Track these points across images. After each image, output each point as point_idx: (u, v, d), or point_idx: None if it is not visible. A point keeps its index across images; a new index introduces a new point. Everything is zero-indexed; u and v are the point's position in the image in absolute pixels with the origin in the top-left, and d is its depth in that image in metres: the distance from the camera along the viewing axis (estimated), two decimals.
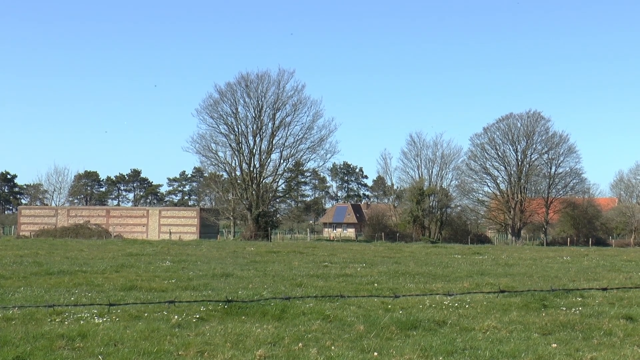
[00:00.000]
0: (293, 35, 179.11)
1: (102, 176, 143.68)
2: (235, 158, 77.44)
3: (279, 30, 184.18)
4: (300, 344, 9.41)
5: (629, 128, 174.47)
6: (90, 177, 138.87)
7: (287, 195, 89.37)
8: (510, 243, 79.95)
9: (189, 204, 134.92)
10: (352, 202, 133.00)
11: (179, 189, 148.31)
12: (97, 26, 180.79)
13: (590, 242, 77.13)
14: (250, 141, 76.91)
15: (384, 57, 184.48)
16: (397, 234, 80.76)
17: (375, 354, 8.98)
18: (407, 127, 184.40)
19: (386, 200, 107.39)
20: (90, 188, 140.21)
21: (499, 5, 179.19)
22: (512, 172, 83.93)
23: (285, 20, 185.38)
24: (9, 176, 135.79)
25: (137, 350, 8.88)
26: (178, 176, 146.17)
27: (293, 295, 14.61)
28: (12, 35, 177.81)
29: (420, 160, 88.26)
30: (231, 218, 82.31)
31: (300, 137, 77.94)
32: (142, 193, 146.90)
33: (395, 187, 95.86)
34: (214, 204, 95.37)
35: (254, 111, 76.71)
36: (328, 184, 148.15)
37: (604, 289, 6.78)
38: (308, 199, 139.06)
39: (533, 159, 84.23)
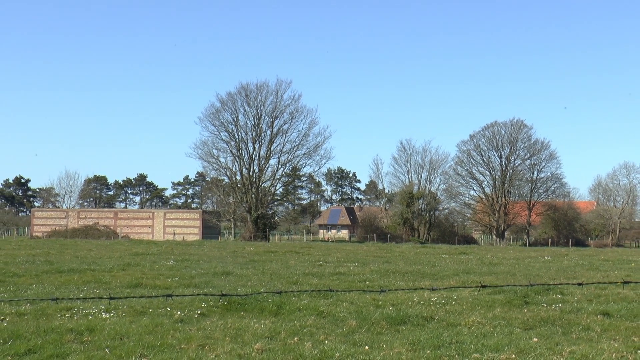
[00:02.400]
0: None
1: (111, 180, 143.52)
2: (236, 163, 77.54)
3: (278, 42, 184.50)
4: (295, 338, 9.40)
5: (606, 135, 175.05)
6: (99, 181, 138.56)
7: (284, 199, 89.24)
8: (495, 244, 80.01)
9: (192, 206, 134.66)
10: (346, 205, 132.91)
11: (183, 192, 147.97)
12: (105, 36, 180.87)
13: (570, 243, 77.20)
14: (249, 147, 77.05)
15: (377, 68, 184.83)
16: (388, 235, 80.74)
17: (366, 347, 8.96)
18: (397, 134, 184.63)
19: (378, 203, 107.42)
20: (99, 191, 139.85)
21: (485, 18, 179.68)
22: (497, 177, 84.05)
23: (283, 33, 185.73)
24: (22, 180, 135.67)
25: (142, 343, 8.86)
26: (182, 180, 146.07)
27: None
28: (24, 44, 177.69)
29: (410, 166, 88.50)
30: (232, 220, 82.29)
31: (296, 143, 78.18)
32: (148, 196, 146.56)
33: (386, 190, 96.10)
34: (215, 206, 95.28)
35: (254, 119, 76.86)
36: (323, 188, 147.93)
37: (580, 284, 6.82)
38: (304, 202, 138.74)
39: (516, 165, 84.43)
